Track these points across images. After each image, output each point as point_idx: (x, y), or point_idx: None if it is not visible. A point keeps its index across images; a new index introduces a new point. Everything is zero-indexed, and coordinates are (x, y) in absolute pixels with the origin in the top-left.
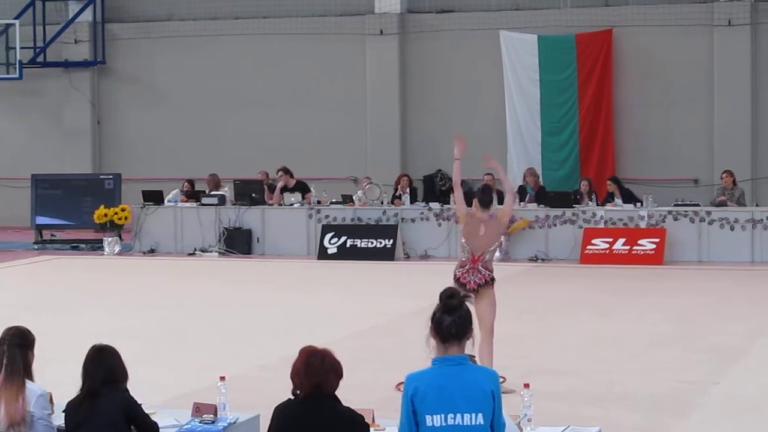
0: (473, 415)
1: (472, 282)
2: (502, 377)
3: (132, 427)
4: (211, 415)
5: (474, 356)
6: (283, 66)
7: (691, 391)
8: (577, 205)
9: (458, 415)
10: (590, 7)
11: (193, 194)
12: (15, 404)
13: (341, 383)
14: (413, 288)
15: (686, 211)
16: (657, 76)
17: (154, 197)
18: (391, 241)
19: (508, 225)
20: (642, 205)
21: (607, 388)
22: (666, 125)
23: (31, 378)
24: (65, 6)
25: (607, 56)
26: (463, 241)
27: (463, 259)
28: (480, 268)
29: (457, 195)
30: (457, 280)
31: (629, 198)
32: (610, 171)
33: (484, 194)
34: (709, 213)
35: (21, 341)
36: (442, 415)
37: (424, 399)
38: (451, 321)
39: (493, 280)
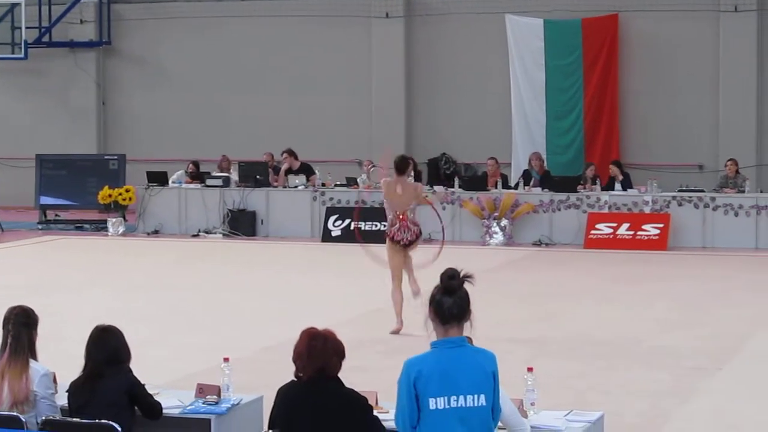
0: (476, 396)
1: (405, 239)
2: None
3: (135, 408)
4: (215, 396)
5: (471, 338)
6: (289, 48)
7: (694, 377)
8: (582, 190)
9: (461, 397)
10: None
11: (197, 176)
12: (19, 383)
13: (344, 365)
14: (417, 271)
15: (690, 197)
16: (663, 62)
17: (159, 178)
18: None
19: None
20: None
21: (611, 373)
22: (671, 110)
23: (34, 357)
24: None
25: (612, 41)
26: (386, 203)
27: (391, 218)
28: (409, 225)
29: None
30: (391, 238)
31: (627, 183)
32: (615, 156)
33: (401, 162)
34: (713, 199)
35: (25, 320)
36: (445, 398)
37: (427, 383)
38: (452, 302)
39: (421, 234)
